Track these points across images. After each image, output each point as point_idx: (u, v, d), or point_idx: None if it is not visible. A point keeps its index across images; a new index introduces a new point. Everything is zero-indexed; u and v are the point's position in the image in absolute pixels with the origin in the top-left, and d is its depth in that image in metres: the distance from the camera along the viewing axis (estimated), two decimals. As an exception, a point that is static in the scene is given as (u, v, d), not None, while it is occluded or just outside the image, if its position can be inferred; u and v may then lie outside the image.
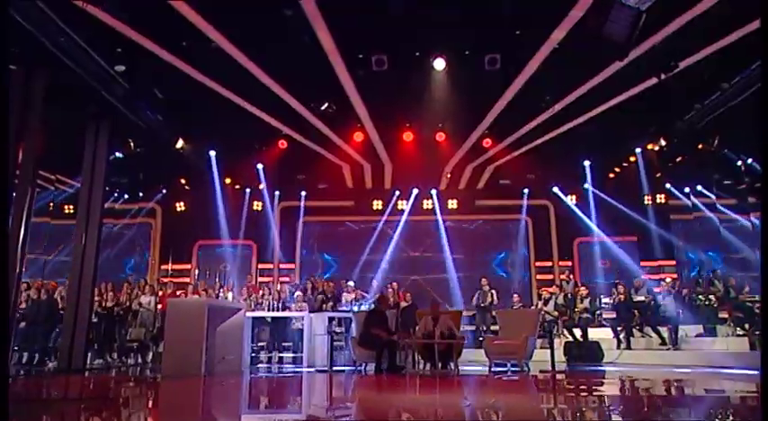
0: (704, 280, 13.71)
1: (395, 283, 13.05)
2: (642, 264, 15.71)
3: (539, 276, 16.31)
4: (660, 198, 15.45)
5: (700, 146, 12.55)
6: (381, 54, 8.85)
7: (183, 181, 15.57)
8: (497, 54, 8.83)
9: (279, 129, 11.99)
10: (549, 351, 8.49)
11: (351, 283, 12.89)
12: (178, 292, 14.25)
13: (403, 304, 12.27)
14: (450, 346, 7.65)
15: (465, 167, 14.27)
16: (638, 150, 12.97)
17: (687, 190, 15.07)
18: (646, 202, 15.54)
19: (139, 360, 12.04)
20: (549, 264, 16.28)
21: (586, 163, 14.10)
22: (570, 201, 15.90)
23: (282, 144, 12.65)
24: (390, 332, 8.27)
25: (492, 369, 8.08)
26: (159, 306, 13.19)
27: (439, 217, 16.03)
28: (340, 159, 13.71)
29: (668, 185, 14.66)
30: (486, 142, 12.49)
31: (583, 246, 16.39)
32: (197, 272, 16.28)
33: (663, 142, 12.16)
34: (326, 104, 10.38)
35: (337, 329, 8.25)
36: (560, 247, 16.30)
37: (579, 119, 11.40)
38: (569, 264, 16.20)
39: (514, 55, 8.96)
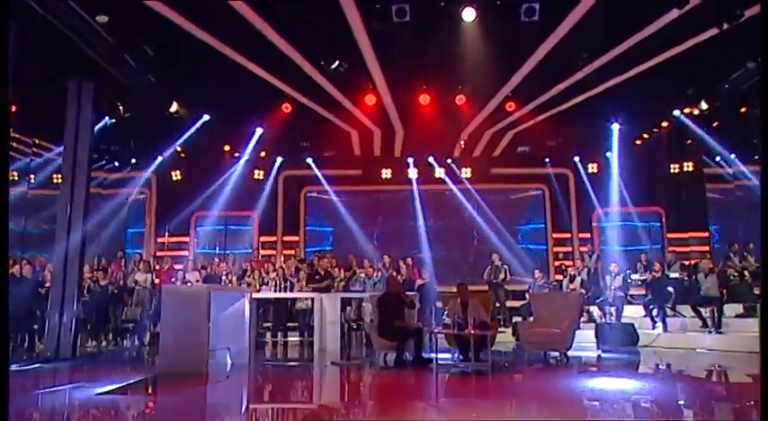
0: (737, 253, 12.90)
1: (409, 259, 12.15)
2: (669, 236, 14.91)
3: (556, 249, 15.47)
4: (687, 166, 14.52)
5: (743, 109, 11.49)
6: (403, 3, 7.71)
7: (178, 148, 14.48)
8: (536, 3, 7.69)
9: (283, 91, 10.85)
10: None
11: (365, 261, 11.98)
12: (176, 266, 13.43)
13: (419, 282, 11.43)
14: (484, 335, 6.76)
15: (483, 134, 13.21)
16: (676, 112, 11.85)
17: (719, 158, 14.17)
18: (672, 171, 14.62)
19: (136, 342, 11.22)
20: (568, 235, 15.42)
21: (615, 127, 13.01)
22: (592, 169, 14.93)
23: (286, 108, 11.53)
24: (414, 318, 7.40)
25: (529, 358, 7.26)
26: (157, 280, 12.37)
27: (452, 186, 15.08)
28: (348, 125, 12.63)
29: (706, 155, 13.66)
30: (510, 105, 11.39)
31: (602, 217, 15.52)
32: (195, 244, 15.43)
33: (704, 105, 11.05)
34: (337, 63, 9.25)
35: (353, 316, 7.34)
36: (579, 218, 15.42)
37: (614, 80, 10.28)
38: (588, 235, 15.38)
39: (555, 2, 7.82)
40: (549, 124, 12.56)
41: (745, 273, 11.40)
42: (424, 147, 14.27)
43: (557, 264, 15.26)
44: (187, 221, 15.33)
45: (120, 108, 11.52)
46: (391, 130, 13.01)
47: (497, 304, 12.08)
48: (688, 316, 10.52)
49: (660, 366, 7.24)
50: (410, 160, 14.86)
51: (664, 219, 15.07)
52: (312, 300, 9.67)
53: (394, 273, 7.83)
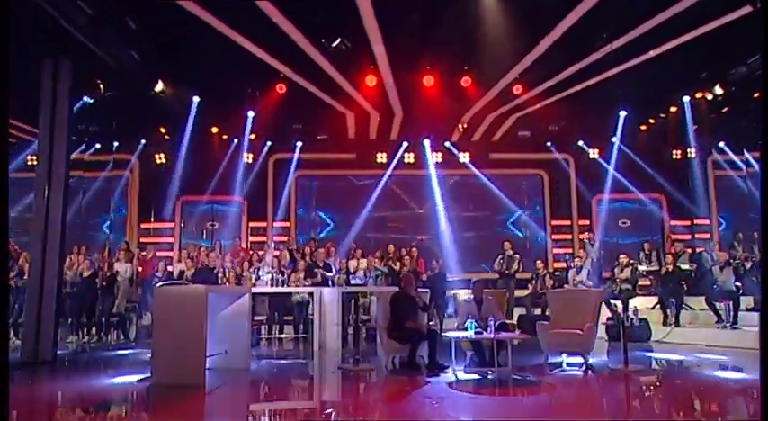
0: (741, 242, 12.62)
1: (414, 249, 11.62)
2: (672, 223, 14.61)
3: (555, 236, 15.09)
4: (691, 152, 14.14)
5: (756, 94, 11.06)
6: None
7: (162, 130, 13.69)
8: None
9: (278, 70, 10.14)
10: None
11: (358, 251, 11.43)
12: (159, 254, 12.76)
13: (427, 274, 10.92)
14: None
15: (485, 117, 12.65)
16: (686, 98, 11.41)
17: (726, 144, 13.85)
18: (675, 157, 14.25)
19: (121, 337, 10.59)
20: (568, 222, 15.03)
21: (622, 113, 12.53)
22: (593, 154, 14.50)
23: (281, 88, 10.82)
24: (426, 320, 6.90)
25: (548, 362, 6.82)
26: (140, 269, 11.71)
27: (449, 171, 14.55)
28: (345, 107, 11.96)
29: (714, 141, 13.30)
30: (517, 88, 10.83)
31: (602, 204, 15.15)
32: (181, 230, 14.72)
33: (719, 90, 10.61)
34: (339, 40, 8.58)
35: (364, 317, 6.81)
36: (579, 205, 15.03)
37: (628, 63, 9.77)
38: (587, 222, 15.02)
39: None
40: (554, 108, 12.06)
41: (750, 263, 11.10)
42: (423, 130, 13.69)
43: (555, 251, 14.94)
44: (172, 207, 14.62)
45: (101, 87, 10.75)
46: (390, 113, 12.39)
47: (507, 295, 11.66)
48: (696, 308, 10.23)
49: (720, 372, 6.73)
50: (405, 144, 14.24)
51: (665, 206, 14.75)
52: (311, 294, 9.12)
53: (407, 271, 7.27)
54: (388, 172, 14.58)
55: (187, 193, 14.55)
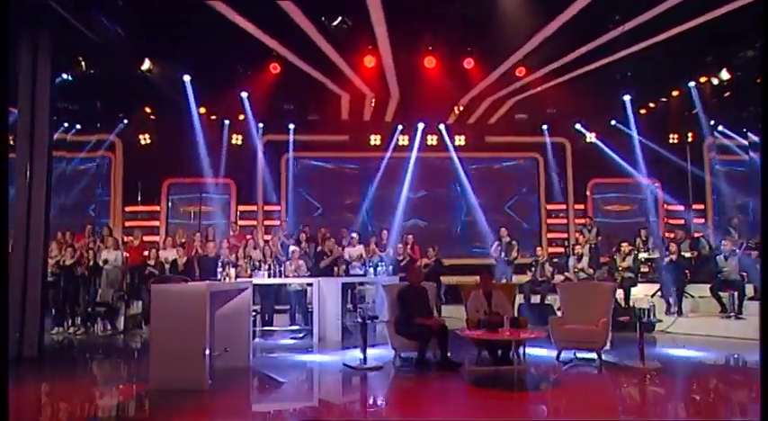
0: (736, 228, 12.56)
1: (410, 236, 11.32)
2: (667, 207, 14.54)
3: (549, 220, 14.93)
4: (688, 136, 14.00)
5: (758, 79, 10.87)
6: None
7: (148, 109, 13.09)
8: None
9: (272, 49, 9.63)
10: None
11: (354, 235, 11.08)
12: (146, 239, 12.28)
13: (423, 261, 10.64)
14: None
15: (484, 99, 12.28)
16: (691, 84, 11.19)
17: (725, 128, 13.73)
18: (672, 141, 14.09)
19: (108, 327, 10.16)
20: (563, 207, 14.86)
21: (626, 97, 12.28)
22: (591, 137, 14.27)
23: (275, 68, 10.31)
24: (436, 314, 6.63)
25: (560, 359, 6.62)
26: (127, 255, 11.24)
27: (444, 154, 14.21)
28: (340, 88, 11.50)
29: (715, 126, 13.17)
30: (520, 71, 10.48)
31: (598, 188, 15.02)
32: (167, 213, 14.21)
33: (725, 75, 10.38)
34: (340, 19, 8.11)
35: (370, 311, 6.48)
36: (575, 189, 14.85)
37: (636, 46, 9.46)
38: (582, 207, 14.87)
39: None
40: (554, 91, 11.72)
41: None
42: (419, 113, 13.28)
43: (549, 236, 14.80)
44: (158, 189, 14.11)
45: (82, 64, 10.14)
46: (386, 94, 11.96)
47: (505, 281, 11.48)
48: (695, 296, 10.13)
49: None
50: (400, 126, 13.85)
51: (660, 191, 14.64)
52: (309, 283, 8.79)
53: (417, 263, 6.97)
54: (387, 154, 14.22)
55: (173, 176, 14.08)
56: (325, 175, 14.49)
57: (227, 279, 6.16)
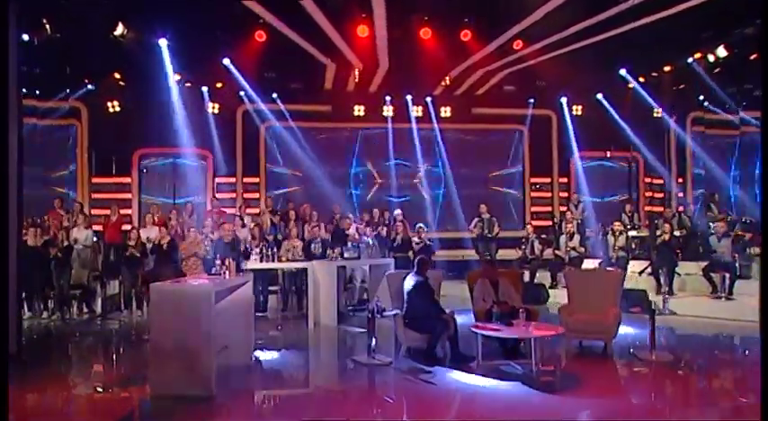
0: (717, 203, 12.74)
1: (399, 212, 11.03)
2: (647, 180, 14.63)
3: (534, 194, 14.84)
4: (657, 112, 13.90)
5: (753, 55, 10.82)
6: None
7: (117, 75, 12.20)
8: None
9: (258, 16, 8.97)
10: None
11: (350, 216, 10.73)
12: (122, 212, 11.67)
13: (415, 240, 10.39)
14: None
15: (475, 72, 11.89)
16: (689, 60, 11.05)
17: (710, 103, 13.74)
18: (656, 115, 14.04)
19: (84, 310, 9.62)
20: (548, 180, 14.77)
21: (622, 71, 12.10)
22: (576, 111, 14.11)
23: (260, 36, 9.66)
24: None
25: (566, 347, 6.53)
26: (100, 229, 10.65)
27: (430, 125, 13.82)
28: (327, 57, 10.91)
29: (703, 101, 13.16)
30: (517, 44, 10.12)
31: (580, 162, 14.94)
32: (139, 186, 13.48)
33: (723, 52, 10.25)
34: (337, -12, 7.55)
35: (383, 311, 6.18)
36: (560, 163, 14.76)
37: (639, 21, 9.20)
38: (566, 180, 14.83)
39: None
40: (546, 64, 11.45)
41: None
42: (405, 83, 12.82)
43: (533, 209, 14.74)
44: (128, 160, 13.34)
45: (47, 27, 9.29)
46: (374, 65, 11.44)
47: (488, 257, 11.37)
48: (682, 274, 10.23)
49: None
50: (387, 97, 13.37)
51: (642, 165, 14.69)
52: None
53: (423, 257, 6.69)
54: (366, 125, 13.79)
55: (145, 146, 13.31)
56: (304, 146, 13.91)
57: (228, 274, 5.74)
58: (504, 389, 5.30)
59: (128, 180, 13.36)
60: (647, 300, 8.52)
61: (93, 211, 12.16)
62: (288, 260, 8.63)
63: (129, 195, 13.31)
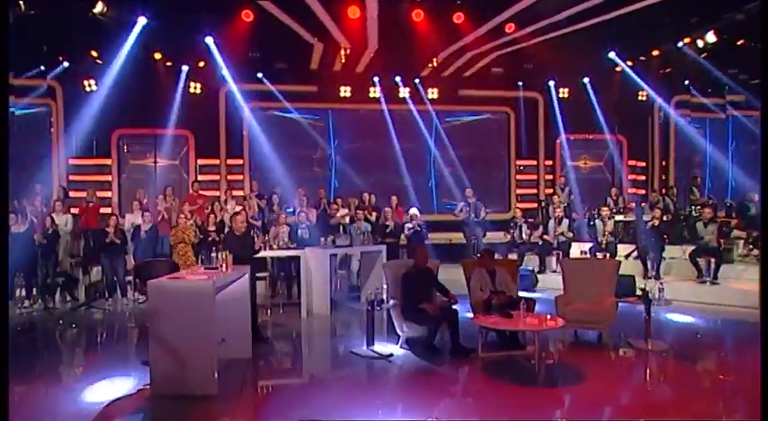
0: (699, 187, 12.94)
1: (394, 197, 10.93)
2: (630, 163, 14.76)
3: (519, 176, 14.87)
4: (642, 95, 13.96)
5: (740, 41, 10.89)
6: None
7: (94, 53, 11.71)
8: None
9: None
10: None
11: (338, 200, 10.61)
12: (99, 194, 11.37)
13: (408, 226, 10.32)
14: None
15: (464, 54, 11.73)
16: (679, 44, 11.05)
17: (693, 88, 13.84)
18: (641, 98, 14.10)
19: (67, 298, 9.39)
20: (534, 163, 14.79)
21: (611, 54, 12.08)
22: (563, 94, 14.10)
23: (247, 16, 9.33)
24: (445, 299, 6.38)
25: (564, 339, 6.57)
26: (76, 212, 10.34)
27: (416, 107, 13.66)
28: (315, 37, 10.62)
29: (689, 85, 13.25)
30: (509, 27, 9.98)
31: (565, 144, 14.99)
32: (118, 168, 13.10)
33: (712, 38, 10.27)
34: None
35: (382, 303, 6.15)
36: (546, 145, 14.78)
37: (634, 5, 9.14)
38: (550, 163, 14.88)
39: None
40: (536, 47, 11.33)
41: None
42: (394, 65, 12.61)
43: (519, 192, 14.79)
44: (107, 141, 12.93)
45: (21, 3, 8.83)
46: (362, 46, 11.18)
47: (474, 241, 11.41)
48: (667, 257, 10.38)
49: None
50: (375, 78, 13.14)
51: (626, 148, 14.81)
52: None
53: (420, 249, 6.63)
54: (352, 106, 13.58)
55: (124, 126, 12.89)
56: (289, 127, 13.64)
57: (224, 267, 5.59)
58: (506, 382, 5.31)
59: (107, 161, 12.98)
60: (635, 286, 8.76)
61: (71, 194, 11.79)
62: (279, 248, 8.45)
63: (108, 177, 12.95)
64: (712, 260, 9.26)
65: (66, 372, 5.99)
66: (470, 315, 6.42)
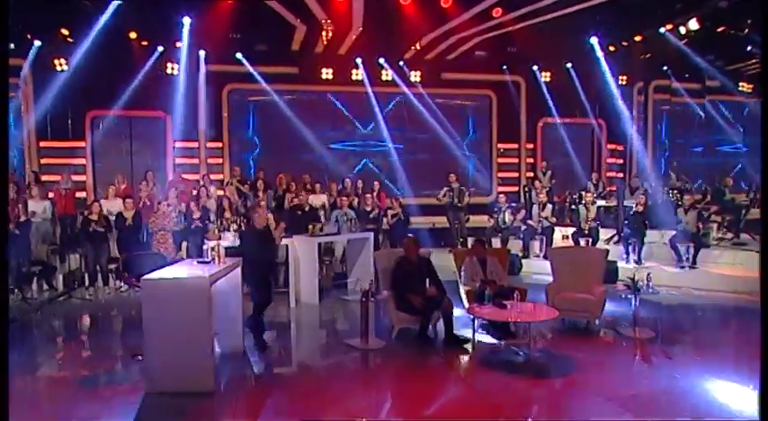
0: (676, 171, 13.16)
1: (376, 182, 10.85)
2: (609, 146, 14.93)
3: (500, 160, 14.92)
4: (622, 80, 14.06)
5: (721, 28, 11.01)
6: None
7: (65, 31, 11.23)
8: None
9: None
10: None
11: (317, 185, 10.49)
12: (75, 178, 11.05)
13: (390, 212, 10.27)
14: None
15: (449, 37, 11.61)
16: (661, 30, 11.11)
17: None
18: (621, 82, 14.19)
19: (44, 287, 9.12)
20: (515, 146, 14.85)
21: (593, 39, 12.09)
22: (545, 77, 14.11)
23: (230, -5, 9.04)
24: (436, 292, 6.36)
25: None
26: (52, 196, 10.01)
27: (399, 90, 13.52)
28: (299, 18, 10.37)
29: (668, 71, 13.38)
30: (497, 11, 9.89)
31: (546, 128, 15.07)
32: (92, 151, 12.68)
33: (694, 25, 10.35)
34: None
35: (376, 294, 6.11)
36: (527, 129, 14.83)
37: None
38: (532, 146, 14.96)
39: None
40: (521, 31, 11.28)
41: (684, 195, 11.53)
42: (377, 47, 12.41)
43: (500, 175, 14.85)
44: (80, 122, 12.50)
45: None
46: (347, 28, 10.96)
47: (457, 226, 11.44)
48: (646, 242, 10.57)
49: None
50: (358, 60, 12.94)
51: (605, 131, 14.96)
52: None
53: (411, 237, 6.55)
54: (333, 89, 13.38)
55: (97, 107, 12.46)
56: (268, 109, 13.36)
57: (217, 260, 5.47)
58: (500, 372, 5.37)
59: (81, 144, 12.56)
60: (618, 272, 8.91)
61: (43, 178, 11.39)
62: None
63: (82, 160, 12.54)
64: (691, 245, 9.45)
65: (52, 367, 5.80)
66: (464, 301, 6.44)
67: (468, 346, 5.94)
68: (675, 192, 10.79)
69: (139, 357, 5.42)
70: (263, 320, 6.10)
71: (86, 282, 9.19)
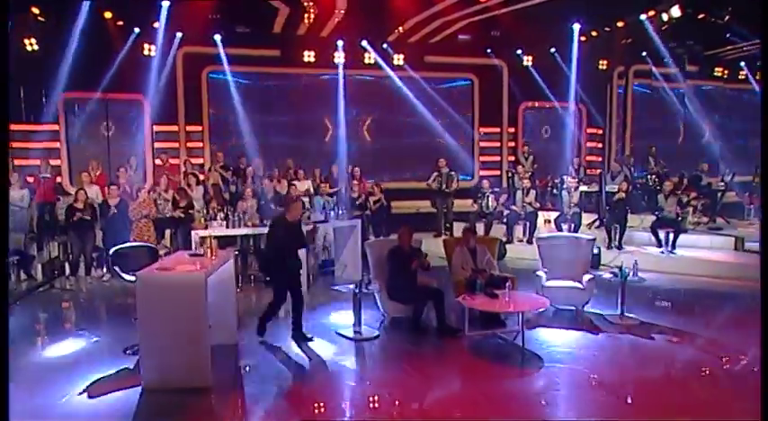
0: (654, 156, 13.37)
1: (357, 169, 10.78)
2: (589, 131, 15.08)
3: (482, 143, 14.95)
4: (602, 64, 14.18)
5: (701, 15, 11.13)
6: None
7: (35, 10, 10.78)
8: None
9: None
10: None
11: (301, 172, 10.40)
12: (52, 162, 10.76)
13: (373, 198, 10.24)
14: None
15: (434, 20, 11.50)
16: (642, 17, 11.18)
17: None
18: (601, 68, 14.30)
19: (23, 277, 8.89)
20: (497, 130, 14.89)
21: (576, 26, 12.13)
22: (527, 61, 14.11)
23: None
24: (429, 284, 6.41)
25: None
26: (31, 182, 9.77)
27: (382, 73, 13.37)
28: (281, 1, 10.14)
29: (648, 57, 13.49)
30: (486, -6, 9.83)
31: (527, 112, 15.14)
32: (66, 134, 12.31)
33: (677, 12, 10.45)
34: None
35: (369, 284, 6.11)
36: (509, 113, 14.88)
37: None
38: (513, 130, 15.03)
39: None
40: (507, 15, 11.23)
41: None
42: (360, 30, 12.23)
43: (482, 159, 14.90)
44: (53, 105, 12.08)
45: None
46: (330, 10, 10.77)
47: (445, 211, 11.50)
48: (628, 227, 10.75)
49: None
50: (339, 43, 12.74)
51: (585, 116, 15.09)
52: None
53: (406, 227, 6.52)
54: (315, 72, 13.19)
55: (71, 90, 12.04)
56: (249, 92, 13.09)
57: (210, 253, 5.39)
58: (492, 361, 5.45)
59: (55, 127, 12.17)
60: (600, 257, 9.07)
61: (16, 162, 11.05)
62: (254, 225, 8.22)
63: (56, 144, 12.17)
64: (671, 231, 9.66)
65: (42, 361, 5.67)
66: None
67: (460, 335, 5.99)
68: (654, 177, 10.96)
69: (130, 352, 5.38)
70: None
71: (67, 271, 9.01)
